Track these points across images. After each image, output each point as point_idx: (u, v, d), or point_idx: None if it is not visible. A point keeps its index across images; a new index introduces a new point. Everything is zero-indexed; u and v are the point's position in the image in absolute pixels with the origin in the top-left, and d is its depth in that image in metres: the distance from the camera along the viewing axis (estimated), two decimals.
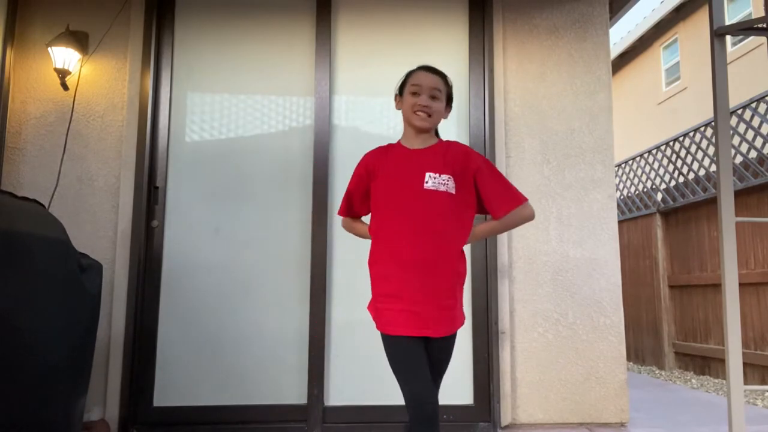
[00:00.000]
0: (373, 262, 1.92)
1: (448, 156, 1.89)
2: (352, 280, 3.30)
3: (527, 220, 1.98)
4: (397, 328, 1.79)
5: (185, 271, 3.26)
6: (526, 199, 1.93)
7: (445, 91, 1.95)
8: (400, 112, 1.98)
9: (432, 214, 1.83)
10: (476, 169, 1.90)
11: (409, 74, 1.97)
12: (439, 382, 1.91)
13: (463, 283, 1.93)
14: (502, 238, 3.29)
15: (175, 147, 3.38)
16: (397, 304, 1.80)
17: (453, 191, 1.85)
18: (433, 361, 1.83)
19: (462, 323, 1.92)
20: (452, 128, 3.49)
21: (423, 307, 1.79)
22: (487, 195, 1.90)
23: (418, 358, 1.78)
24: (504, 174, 3.32)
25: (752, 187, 5.05)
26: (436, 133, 2.00)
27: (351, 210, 2.07)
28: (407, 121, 1.94)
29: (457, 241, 1.88)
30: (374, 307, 1.89)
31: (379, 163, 1.94)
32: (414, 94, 1.90)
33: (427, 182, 1.83)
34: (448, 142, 1.97)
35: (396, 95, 2.00)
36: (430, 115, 1.89)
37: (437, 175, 1.85)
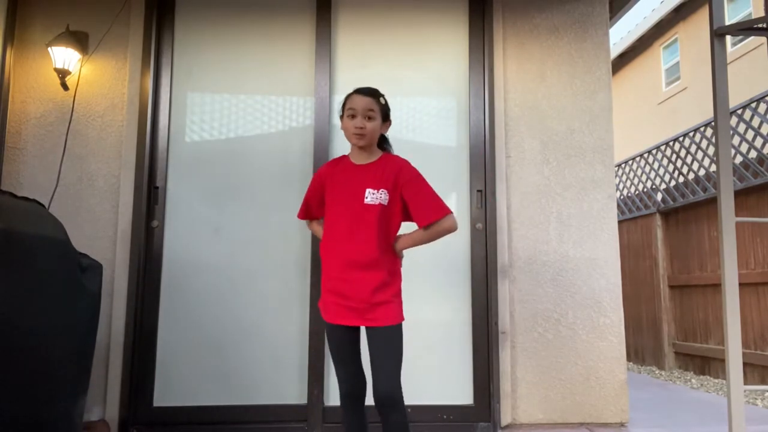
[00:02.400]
0: (321, 260, 2.17)
1: (385, 172, 2.13)
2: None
3: (449, 232, 2.13)
4: (332, 318, 2.10)
5: (185, 271, 3.26)
6: (449, 212, 2.11)
7: (379, 109, 2.15)
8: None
9: (366, 224, 2.07)
10: (404, 184, 2.11)
11: (346, 98, 2.20)
12: (390, 370, 2.04)
13: (397, 281, 2.14)
14: (502, 239, 3.29)
15: (175, 147, 3.38)
16: (334, 297, 2.09)
17: (386, 203, 2.09)
18: (372, 349, 2.06)
19: (397, 320, 2.08)
20: (452, 128, 3.49)
21: (354, 302, 2.05)
22: (412, 206, 2.11)
23: (345, 344, 2.11)
24: (504, 174, 3.35)
25: (752, 187, 5.05)
26: (384, 146, 2.25)
27: (308, 213, 2.32)
28: (349, 141, 2.18)
29: (386, 246, 2.11)
30: (321, 300, 2.17)
31: (330, 176, 2.20)
32: (351, 117, 2.13)
33: (366, 198, 2.08)
34: (387, 157, 2.19)
35: (340, 117, 2.22)
36: (364, 135, 2.11)
37: (375, 190, 2.09)
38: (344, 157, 2.25)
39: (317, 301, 3.22)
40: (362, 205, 2.07)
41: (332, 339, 2.14)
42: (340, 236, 2.09)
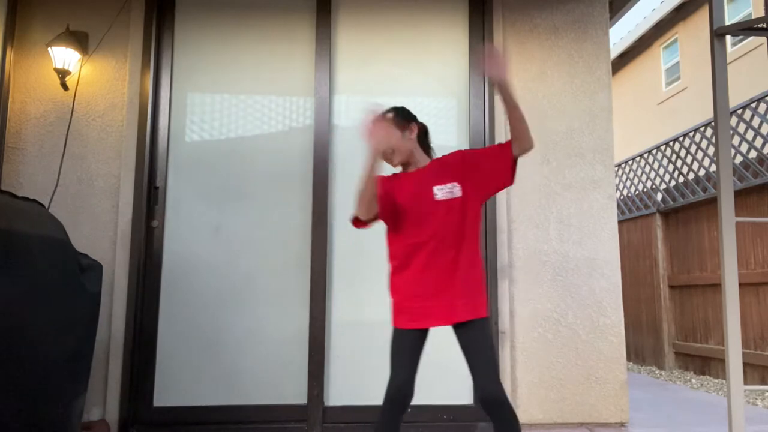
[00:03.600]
0: (398, 267, 2.12)
1: (446, 167, 2.09)
2: (351, 280, 3.30)
3: (530, 141, 2.11)
4: (414, 323, 2.06)
5: (185, 271, 3.26)
6: (509, 142, 2.08)
7: (392, 121, 2.10)
8: (392, 113, 2.17)
9: (447, 220, 2.02)
10: (472, 159, 2.09)
11: None
12: (493, 368, 2.00)
13: (481, 273, 2.10)
14: (502, 239, 3.29)
15: (175, 147, 3.38)
16: (419, 302, 2.05)
17: (460, 194, 2.04)
18: (469, 346, 2.03)
19: (487, 312, 2.06)
20: (452, 128, 3.49)
21: (444, 300, 2.01)
22: (486, 164, 2.07)
23: (414, 348, 2.10)
24: None
25: (752, 187, 5.05)
26: (429, 154, 2.20)
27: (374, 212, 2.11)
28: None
29: (473, 237, 2.06)
30: (397, 309, 2.14)
31: (391, 187, 2.11)
32: None
33: (436, 195, 2.04)
34: (439, 158, 2.17)
35: None
36: (393, 152, 2.09)
37: (443, 185, 2.05)
38: (393, 175, 2.19)
39: (317, 301, 3.24)
40: (433, 202, 2.04)
41: (403, 343, 2.11)
42: (420, 240, 2.04)
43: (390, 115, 2.13)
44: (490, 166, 2.07)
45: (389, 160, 2.12)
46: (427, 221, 2.03)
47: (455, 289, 2.02)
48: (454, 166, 2.10)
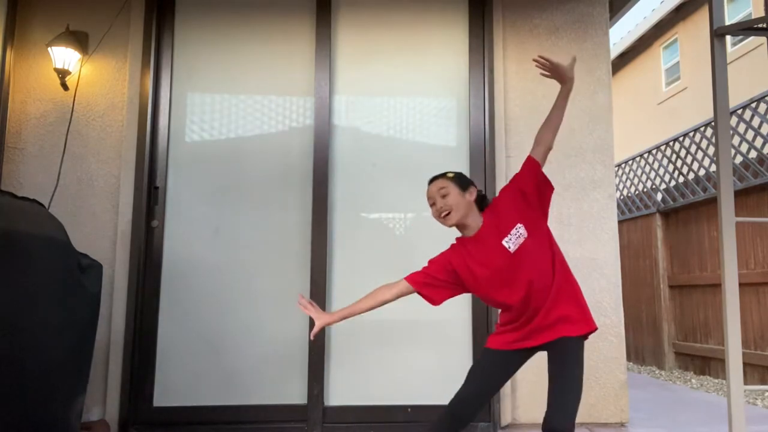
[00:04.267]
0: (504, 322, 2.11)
1: (501, 212, 2.03)
2: (351, 280, 3.30)
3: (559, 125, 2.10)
4: (508, 345, 2.06)
5: (185, 271, 3.26)
6: (530, 156, 2.06)
7: (451, 183, 2.07)
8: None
9: (528, 266, 1.97)
10: (517, 186, 2.04)
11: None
12: (569, 400, 1.90)
13: (575, 290, 2.05)
14: None
15: (175, 147, 3.38)
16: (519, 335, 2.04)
17: (526, 233, 1.99)
18: (555, 368, 1.97)
19: (581, 329, 2.01)
20: (452, 128, 3.49)
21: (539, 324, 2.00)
22: (528, 183, 2.02)
23: (478, 370, 2.12)
24: (504, 174, 3.35)
25: (752, 187, 5.05)
26: (482, 207, 2.11)
27: (425, 287, 2.12)
28: (446, 226, 2.10)
29: (559, 257, 2.03)
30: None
31: (462, 261, 2.06)
32: (432, 205, 2.08)
33: (510, 248, 1.98)
34: (488, 210, 2.09)
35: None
36: (450, 212, 2.03)
37: (509, 234, 1.99)
38: (455, 244, 2.14)
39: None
40: (511, 256, 1.97)
41: (488, 361, 2.11)
42: (515, 297, 1.99)
43: (450, 175, 2.11)
44: (532, 186, 2.02)
45: (449, 221, 2.05)
46: (517, 276, 1.98)
47: (554, 311, 1.99)
48: (505, 209, 2.04)
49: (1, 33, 3.13)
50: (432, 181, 2.12)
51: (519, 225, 1.99)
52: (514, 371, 2.14)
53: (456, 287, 2.10)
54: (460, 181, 2.08)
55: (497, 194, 2.14)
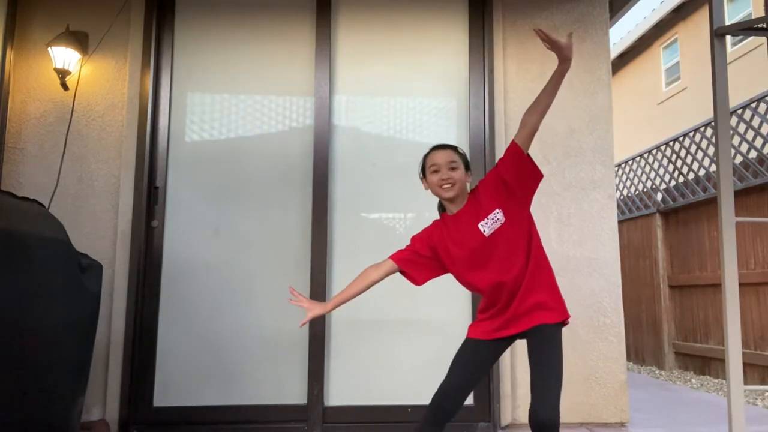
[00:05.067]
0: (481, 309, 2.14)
1: (481, 196, 2.06)
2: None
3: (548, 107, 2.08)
4: (487, 334, 2.09)
5: (185, 271, 3.26)
6: (513, 141, 2.04)
7: (460, 160, 2.09)
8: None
9: (501, 251, 2.00)
10: (498, 177, 2.03)
11: (425, 157, 2.14)
12: (554, 389, 1.99)
13: (549, 277, 2.10)
14: None
15: (175, 147, 3.38)
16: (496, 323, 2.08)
17: (503, 218, 2.01)
18: (532, 358, 2.03)
19: (557, 317, 2.09)
20: (452, 128, 3.49)
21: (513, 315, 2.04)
22: (510, 170, 2.02)
23: (461, 362, 2.13)
24: None
25: (752, 187, 5.05)
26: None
27: (407, 264, 2.13)
28: (438, 196, 2.11)
29: (533, 253, 2.04)
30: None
31: (440, 238, 2.10)
32: (435, 172, 2.07)
33: (484, 231, 2.01)
34: (472, 192, 2.11)
35: (421, 179, 2.16)
36: (453, 184, 2.05)
37: (486, 219, 2.02)
38: (436, 222, 2.17)
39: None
40: (485, 239, 2.01)
41: (470, 351, 2.13)
42: (487, 280, 2.02)
43: (461, 151, 2.13)
44: (515, 174, 2.02)
45: (447, 193, 2.06)
46: (490, 260, 2.01)
47: (527, 301, 2.03)
48: (485, 194, 2.06)
49: (1, 33, 3.13)
50: (441, 148, 2.11)
51: (497, 210, 2.01)
52: (495, 360, 2.17)
53: (437, 266, 2.12)
54: (465, 160, 2.12)
55: (496, 168, 2.11)
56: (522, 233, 2.03)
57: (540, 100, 2.05)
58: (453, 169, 2.06)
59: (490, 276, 2.01)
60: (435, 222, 2.17)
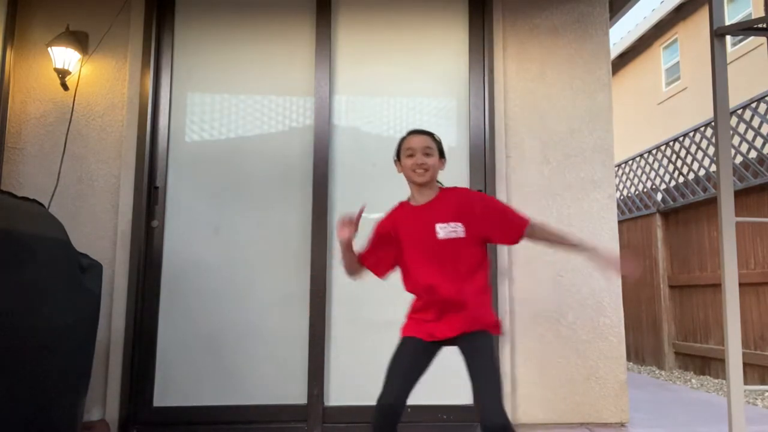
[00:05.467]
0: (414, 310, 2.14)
1: (453, 205, 2.10)
2: (351, 280, 3.29)
3: (546, 228, 2.19)
4: (418, 333, 2.08)
5: (185, 271, 3.26)
6: (528, 221, 2.13)
7: (435, 147, 2.15)
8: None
9: (445, 260, 2.04)
10: (482, 211, 2.10)
11: (401, 141, 2.18)
12: (497, 393, 1.96)
13: (487, 300, 2.14)
14: None
15: (175, 147, 3.38)
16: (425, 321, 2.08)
17: (463, 234, 2.04)
18: (471, 366, 2.00)
19: (492, 327, 2.10)
20: (452, 128, 3.49)
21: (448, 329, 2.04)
22: (494, 228, 2.11)
23: (404, 363, 2.05)
24: (504, 174, 3.34)
25: (752, 187, 5.05)
26: (437, 183, 2.20)
27: (371, 261, 2.19)
28: (409, 181, 2.15)
29: (478, 275, 2.09)
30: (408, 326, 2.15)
31: (394, 224, 2.14)
32: (410, 156, 2.11)
33: (438, 233, 2.04)
34: (447, 191, 2.17)
35: (395, 161, 2.21)
36: (427, 170, 2.10)
37: (446, 224, 2.05)
38: (402, 203, 2.20)
39: (317, 301, 3.24)
40: (436, 241, 2.04)
41: (409, 350, 2.08)
42: (423, 278, 2.06)
43: (437, 138, 2.18)
44: (499, 231, 2.12)
45: (420, 178, 2.10)
46: (432, 261, 2.05)
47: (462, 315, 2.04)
48: (461, 206, 2.09)
49: (1, 33, 3.13)
50: (418, 133, 2.17)
51: (461, 225, 2.05)
52: (430, 363, 2.10)
53: (389, 252, 2.14)
54: (440, 148, 2.17)
55: (488, 196, 2.20)
56: (475, 254, 2.08)
57: (548, 239, 2.19)
58: (428, 155, 2.10)
59: (427, 277, 2.04)
60: (394, 208, 2.21)
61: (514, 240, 2.13)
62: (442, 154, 2.17)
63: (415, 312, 2.13)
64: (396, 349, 2.09)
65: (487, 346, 2.04)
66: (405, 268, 2.14)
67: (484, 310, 2.09)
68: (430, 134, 2.17)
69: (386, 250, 2.15)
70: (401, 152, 2.16)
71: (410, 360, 2.05)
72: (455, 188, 2.19)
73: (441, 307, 2.04)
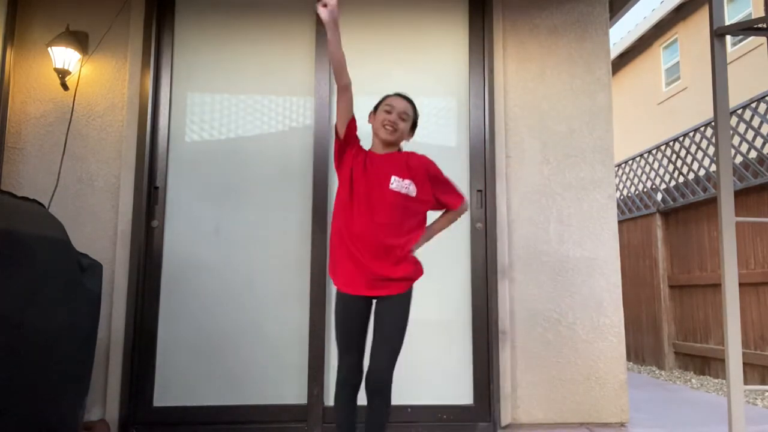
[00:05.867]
0: (338, 234, 2.24)
1: (411, 164, 2.28)
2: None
3: (465, 211, 2.44)
4: (348, 288, 2.21)
5: (185, 271, 3.26)
6: (464, 198, 2.40)
7: (411, 116, 2.33)
8: (417, 114, 2.40)
9: (394, 209, 2.20)
10: (434, 177, 2.31)
11: (386, 97, 2.36)
12: (390, 353, 2.18)
13: (415, 264, 2.30)
14: (502, 239, 3.29)
15: (175, 147, 3.38)
16: (353, 268, 2.20)
17: (413, 194, 2.23)
18: (377, 323, 2.21)
19: (407, 288, 2.27)
20: (452, 128, 3.49)
21: (372, 275, 2.18)
22: (444, 197, 2.34)
23: (357, 318, 2.21)
24: (504, 174, 3.35)
25: (752, 187, 5.05)
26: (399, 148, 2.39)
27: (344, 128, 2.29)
28: (375, 134, 2.31)
29: (415, 231, 2.27)
30: (340, 273, 2.25)
31: (356, 155, 2.28)
32: (387, 112, 2.28)
33: (392, 184, 2.21)
34: (408, 153, 2.35)
35: (370, 113, 2.36)
36: (396, 131, 2.26)
37: (400, 179, 2.23)
38: (369, 150, 2.34)
39: (317, 301, 3.24)
40: (387, 190, 2.20)
41: (345, 312, 2.22)
42: (362, 218, 2.18)
43: (417, 111, 2.37)
44: (444, 195, 2.33)
45: (385, 135, 2.26)
46: (376, 205, 2.18)
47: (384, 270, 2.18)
48: (416, 169, 2.27)
49: (1, 33, 3.13)
50: (404, 98, 2.34)
51: (413, 184, 2.23)
52: (369, 315, 2.25)
53: (346, 152, 2.27)
54: (414, 121, 2.36)
55: (439, 170, 2.36)
56: (418, 214, 2.27)
57: (450, 222, 2.43)
58: (403, 120, 2.28)
59: (366, 219, 2.16)
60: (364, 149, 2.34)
61: (456, 206, 2.35)
62: (414, 127, 2.35)
63: (344, 258, 2.22)
64: (337, 311, 2.24)
65: (405, 304, 2.22)
66: (346, 204, 2.22)
67: (412, 268, 2.24)
68: (413, 104, 2.34)
69: (349, 140, 2.27)
70: (380, 106, 2.32)
71: (353, 322, 2.22)
72: (415, 153, 2.35)
73: (376, 256, 2.16)
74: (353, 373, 2.20)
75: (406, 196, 2.21)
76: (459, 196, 2.37)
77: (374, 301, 2.23)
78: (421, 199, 2.26)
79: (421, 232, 2.28)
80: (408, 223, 2.23)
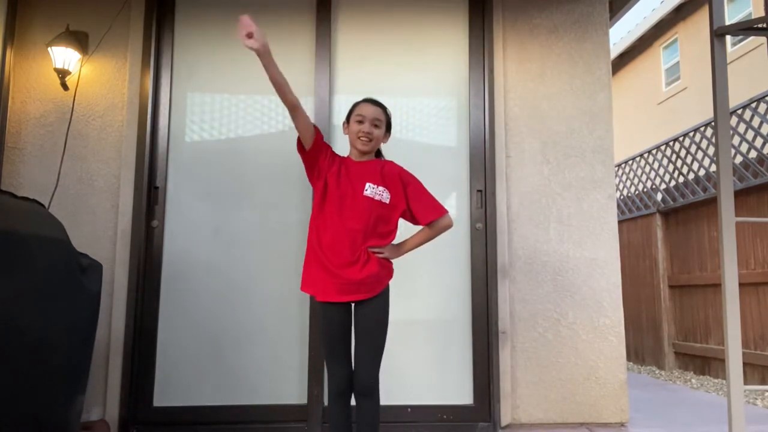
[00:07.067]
0: (313, 242, 2.24)
1: (386, 173, 2.29)
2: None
3: (447, 229, 2.34)
4: (325, 296, 2.21)
5: (185, 271, 3.26)
6: (446, 211, 2.32)
7: (384, 120, 2.32)
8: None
9: (363, 216, 2.20)
10: (407, 185, 2.31)
11: (354, 105, 2.33)
12: (375, 359, 2.23)
13: (389, 270, 2.31)
14: (502, 239, 3.29)
15: (175, 147, 3.38)
16: (330, 280, 2.20)
17: (387, 200, 2.25)
18: (358, 328, 2.23)
19: (383, 288, 2.27)
20: (452, 128, 3.49)
21: (346, 281, 2.19)
22: (416, 207, 2.30)
23: (338, 326, 2.23)
24: (504, 174, 3.35)
25: (752, 187, 5.05)
26: (378, 154, 2.41)
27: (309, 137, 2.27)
28: (352, 145, 2.31)
29: (385, 238, 2.27)
30: (311, 282, 2.26)
31: (332, 162, 2.28)
32: (359, 122, 2.27)
33: (366, 190, 2.23)
34: (383, 161, 2.36)
35: (344, 123, 2.36)
36: (371, 140, 2.27)
37: (375, 186, 2.24)
38: (347, 157, 2.37)
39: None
40: (361, 196, 2.21)
41: (325, 320, 2.24)
42: (334, 224, 2.19)
43: (388, 113, 2.35)
44: (420, 208, 2.30)
45: (362, 146, 2.26)
46: (349, 213, 2.19)
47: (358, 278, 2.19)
48: (391, 177, 2.29)
49: (1, 33, 3.13)
50: (373, 103, 2.31)
51: (388, 192, 2.24)
52: (350, 324, 2.26)
53: (319, 161, 2.26)
54: (389, 122, 2.34)
55: (414, 178, 2.36)
56: (391, 221, 2.27)
57: (434, 236, 2.36)
58: (376, 126, 2.27)
59: (338, 226, 2.17)
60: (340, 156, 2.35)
61: (426, 220, 2.29)
62: (389, 128, 2.34)
63: (315, 265, 2.22)
64: (321, 322, 2.26)
65: (384, 305, 2.23)
66: (320, 211, 2.24)
67: (383, 268, 2.23)
68: (383, 107, 2.33)
69: (318, 151, 2.25)
70: (351, 116, 2.31)
71: (337, 330, 2.23)
72: (392, 162, 2.37)
73: (349, 261, 2.17)
74: (346, 384, 2.23)
75: (380, 203, 2.23)
76: (435, 211, 2.30)
77: (353, 307, 2.24)
78: (394, 204, 2.27)
79: (391, 238, 2.29)
80: (379, 229, 2.24)
